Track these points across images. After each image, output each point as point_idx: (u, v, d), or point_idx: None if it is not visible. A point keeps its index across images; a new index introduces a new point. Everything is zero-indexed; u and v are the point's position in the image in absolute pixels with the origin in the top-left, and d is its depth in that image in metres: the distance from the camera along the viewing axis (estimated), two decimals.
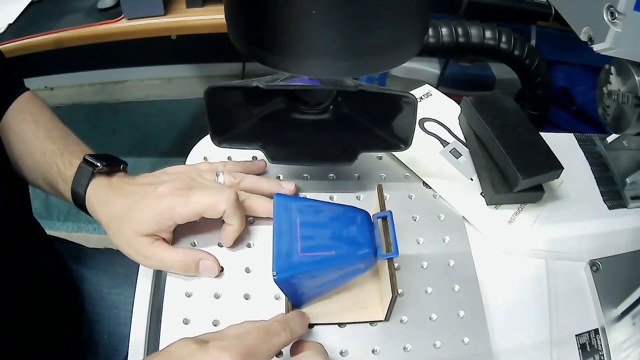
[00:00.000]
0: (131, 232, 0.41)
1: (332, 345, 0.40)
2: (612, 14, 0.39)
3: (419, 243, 0.46)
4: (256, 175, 0.49)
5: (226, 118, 0.45)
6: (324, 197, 0.49)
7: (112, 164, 0.46)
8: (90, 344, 0.57)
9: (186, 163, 0.50)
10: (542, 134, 0.50)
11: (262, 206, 0.45)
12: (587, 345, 0.44)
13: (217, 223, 0.46)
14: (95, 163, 0.45)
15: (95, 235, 1.41)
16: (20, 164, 0.51)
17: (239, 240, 0.45)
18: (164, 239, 0.43)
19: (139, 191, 0.43)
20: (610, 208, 0.53)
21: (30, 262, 0.52)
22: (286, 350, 0.39)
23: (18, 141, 0.50)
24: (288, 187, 0.47)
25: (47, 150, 0.48)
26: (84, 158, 0.46)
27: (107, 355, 0.58)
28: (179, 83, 1.78)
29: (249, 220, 0.47)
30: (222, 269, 0.43)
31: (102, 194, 0.45)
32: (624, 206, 0.53)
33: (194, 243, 0.44)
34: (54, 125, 0.52)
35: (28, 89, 0.55)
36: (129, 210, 0.42)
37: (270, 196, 0.45)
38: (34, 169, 0.50)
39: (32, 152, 0.49)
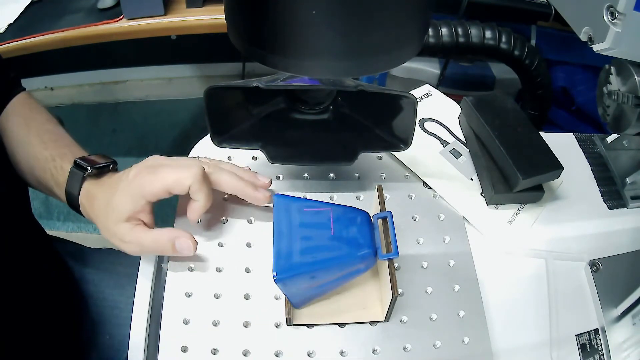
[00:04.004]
0: (112, 221, 0.42)
1: (332, 345, 0.40)
2: (612, 14, 0.39)
3: (419, 243, 0.46)
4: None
5: (226, 118, 0.45)
6: (324, 197, 0.49)
7: (101, 166, 0.46)
8: (91, 345, 0.57)
9: None
10: (542, 134, 0.50)
11: (226, 180, 0.44)
12: (587, 345, 0.44)
13: (217, 222, 0.46)
14: (86, 167, 0.45)
15: (95, 235, 1.41)
16: (17, 165, 0.51)
17: (239, 240, 0.45)
18: (145, 223, 0.43)
19: (116, 180, 0.44)
20: (610, 208, 0.53)
21: (31, 262, 0.52)
22: (287, 350, 0.39)
23: (13, 144, 0.51)
24: (263, 179, 0.47)
25: (39, 156, 0.49)
26: (75, 162, 0.46)
27: (108, 356, 0.58)
28: (179, 83, 1.78)
29: (249, 220, 0.47)
30: (197, 244, 0.43)
31: (91, 193, 0.45)
32: (624, 206, 0.53)
33: None
34: (47, 129, 0.52)
35: (24, 89, 0.55)
36: (109, 201, 0.42)
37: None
38: (29, 172, 0.50)
39: (27, 157, 0.50)
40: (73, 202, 0.46)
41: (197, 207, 0.42)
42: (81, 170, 0.45)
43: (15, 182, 0.51)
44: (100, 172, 0.46)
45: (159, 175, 0.41)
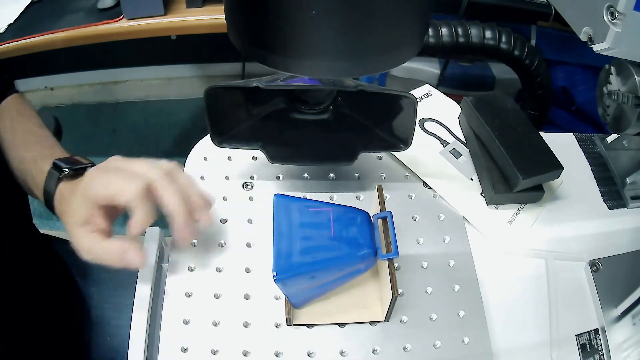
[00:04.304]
0: (70, 224, 0.40)
1: (332, 345, 0.40)
2: (612, 14, 0.39)
3: (419, 243, 0.46)
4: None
5: (226, 118, 0.45)
6: (324, 197, 0.49)
7: (78, 168, 0.45)
8: (91, 346, 0.57)
9: (186, 163, 0.50)
10: (542, 134, 0.50)
11: (168, 201, 0.38)
12: (587, 345, 0.44)
13: (216, 221, 0.46)
14: (62, 168, 0.45)
15: None
16: (9, 166, 0.51)
17: (239, 240, 0.45)
18: (103, 229, 0.40)
19: (81, 181, 0.42)
20: (610, 208, 0.53)
21: (31, 262, 0.52)
22: (287, 350, 0.39)
23: (4, 145, 0.51)
24: (205, 215, 0.41)
25: (22, 158, 0.49)
26: (53, 163, 0.45)
27: (108, 356, 0.58)
28: (179, 83, 1.78)
29: (249, 220, 0.47)
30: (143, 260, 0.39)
31: (62, 194, 0.44)
32: (624, 206, 0.53)
33: (194, 242, 0.44)
34: (31, 131, 0.52)
35: (17, 91, 0.56)
36: (70, 203, 0.41)
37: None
38: (17, 174, 0.50)
39: (12, 160, 0.50)
40: (49, 202, 0.45)
41: (135, 221, 0.37)
42: (58, 171, 0.45)
43: (14, 183, 0.52)
44: (76, 173, 0.45)
45: (104, 181, 0.39)
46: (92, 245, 0.39)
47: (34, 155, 0.48)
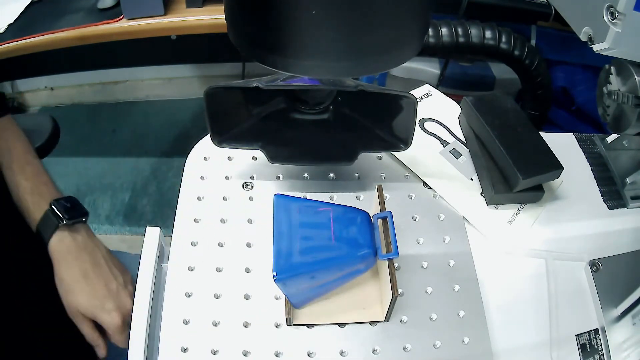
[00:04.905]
0: (71, 305, 0.51)
1: (332, 345, 0.40)
2: (612, 14, 0.39)
3: (419, 243, 0.46)
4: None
5: (226, 118, 0.45)
6: (324, 197, 0.49)
7: (75, 218, 0.53)
8: (91, 346, 0.57)
9: (186, 163, 0.50)
10: (542, 134, 0.50)
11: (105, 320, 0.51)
12: (587, 345, 0.44)
13: (216, 221, 0.46)
14: (61, 216, 0.51)
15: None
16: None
17: (239, 240, 0.45)
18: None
19: (88, 271, 0.51)
20: (610, 208, 0.53)
21: (30, 263, 0.52)
22: (287, 350, 0.39)
23: (2, 166, 0.54)
24: (102, 350, 0.53)
25: (19, 184, 0.53)
26: (50, 205, 0.52)
27: (108, 356, 0.57)
28: (179, 83, 1.78)
29: (249, 220, 0.47)
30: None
31: (63, 251, 0.51)
32: (624, 206, 0.53)
33: (194, 242, 0.44)
34: (27, 160, 0.56)
35: (8, 112, 0.59)
36: (77, 284, 0.51)
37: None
38: (12, 193, 0.54)
39: (7, 181, 0.54)
40: (43, 243, 0.52)
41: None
42: (56, 219, 0.51)
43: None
44: (73, 224, 0.53)
45: (86, 301, 0.50)
46: (75, 321, 0.51)
47: (32, 187, 0.54)
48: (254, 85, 0.40)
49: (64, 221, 0.51)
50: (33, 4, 1.01)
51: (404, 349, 0.40)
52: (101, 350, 0.52)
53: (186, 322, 0.40)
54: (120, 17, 0.95)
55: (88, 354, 0.53)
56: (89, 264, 0.52)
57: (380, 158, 0.53)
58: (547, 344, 0.43)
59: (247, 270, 0.43)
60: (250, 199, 0.48)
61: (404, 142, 0.45)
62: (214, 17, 0.96)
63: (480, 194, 0.50)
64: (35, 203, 0.53)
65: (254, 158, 0.52)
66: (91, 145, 1.60)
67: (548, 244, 0.48)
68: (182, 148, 0.59)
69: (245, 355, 0.39)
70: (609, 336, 0.44)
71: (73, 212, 0.53)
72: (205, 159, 0.51)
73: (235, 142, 0.46)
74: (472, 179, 0.52)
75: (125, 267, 0.55)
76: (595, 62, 0.93)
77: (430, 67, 1.08)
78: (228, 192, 0.48)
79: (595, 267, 0.47)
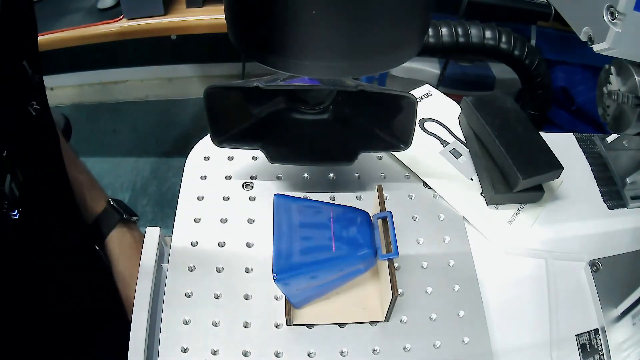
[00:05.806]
0: (129, 299, 0.51)
1: (332, 345, 0.40)
2: (612, 14, 0.39)
3: (419, 243, 0.46)
4: None
5: (226, 118, 0.45)
6: (324, 197, 0.49)
7: (133, 216, 0.56)
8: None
9: (186, 163, 0.50)
10: (542, 134, 0.50)
11: None
12: (587, 345, 0.44)
13: (216, 221, 0.46)
14: (121, 211, 0.55)
15: None
16: None
17: (239, 240, 0.45)
18: None
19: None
20: (610, 208, 0.53)
21: (81, 255, 0.54)
22: (287, 350, 0.39)
23: None
24: None
25: (75, 177, 0.54)
26: (109, 201, 0.56)
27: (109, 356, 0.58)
28: (179, 83, 1.78)
29: (249, 220, 0.47)
30: None
31: (124, 246, 0.54)
32: (624, 206, 0.53)
33: (194, 242, 0.44)
34: (72, 156, 0.57)
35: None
36: (135, 280, 0.49)
37: None
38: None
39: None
40: (100, 233, 0.54)
41: None
42: (117, 213, 0.54)
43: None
44: (129, 219, 0.56)
45: None
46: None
47: (87, 181, 0.56)
48: (254, 85, 0.40)
49: (124, 216, 0.54)
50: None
51: (404, 349, 0.40)
52: None
53: (186, 322, 0.40)
54: (120, 17, 0.95)
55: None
56: None
57: (380, 158, 0.53)
58: (547, 344, 0.43)
59: (247, 270, 0.43)
60: (251, 198, 0.48)
61: (404, 142, 0.45)
62: (214, 17, 0.96)
63: (480, 194, 0.50)
64: (93, 197, 0.55)
65: (254, 158, 0.52)
66: (91, 145, 1.59)
67: (548, 244, 0.48)
68: (182, 148, 0.60)
69: (245, 355, 0.39)
70: (609, 336, 0.44)
71: (129, 210, 0.56)
72: (205, 158, 0.51)
73: (236, 142, 0.46)
74: (472, 179, 0.52)
75: None
76: (595, 62, 0.93)
77: (430, 67, 1.08)
78: (228, 192, 0.48)
79: (595, 267, 0.47)
